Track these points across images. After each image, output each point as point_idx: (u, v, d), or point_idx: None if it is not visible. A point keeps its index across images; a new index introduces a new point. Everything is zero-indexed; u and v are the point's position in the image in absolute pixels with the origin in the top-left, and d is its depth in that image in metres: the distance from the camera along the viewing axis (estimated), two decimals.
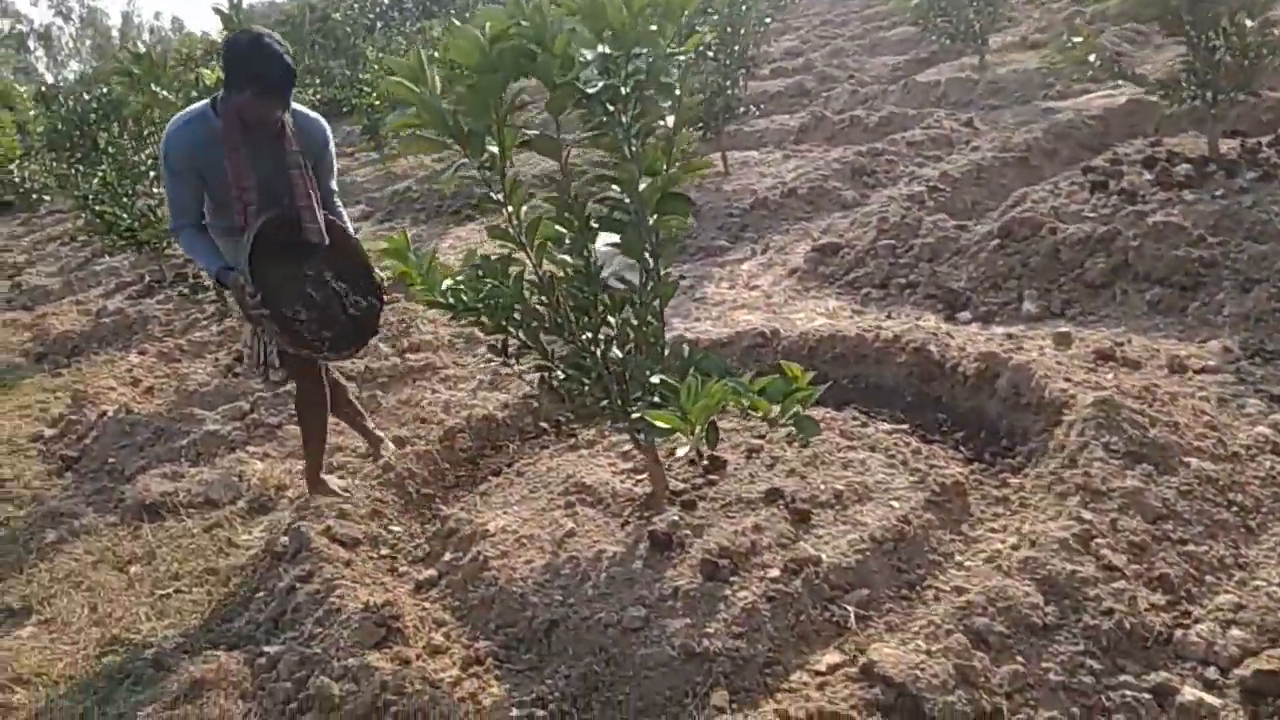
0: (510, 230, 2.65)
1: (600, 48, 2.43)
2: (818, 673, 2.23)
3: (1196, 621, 2.18)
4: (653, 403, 2.93)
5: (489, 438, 3.90)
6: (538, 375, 3.01)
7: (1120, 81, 8.13)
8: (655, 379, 2.93)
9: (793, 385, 2.48)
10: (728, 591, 2.55)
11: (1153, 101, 6.42)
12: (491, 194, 2.57)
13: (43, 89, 12.73)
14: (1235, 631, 2.14)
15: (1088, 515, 2.42)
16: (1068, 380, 3.12)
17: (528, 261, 2.72)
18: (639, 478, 3.27)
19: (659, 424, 2.49)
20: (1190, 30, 4.66)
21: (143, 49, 5.40)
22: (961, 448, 3.17)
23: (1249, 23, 4.62)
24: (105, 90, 7.38)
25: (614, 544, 2.87)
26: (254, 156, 3.10)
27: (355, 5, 12.91)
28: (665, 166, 2.70)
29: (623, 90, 2.49)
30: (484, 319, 2.93)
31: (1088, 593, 2.22)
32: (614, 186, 2.69)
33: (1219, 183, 4.56)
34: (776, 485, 2.96)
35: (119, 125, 7.20)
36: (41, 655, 2.99)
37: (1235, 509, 2.50)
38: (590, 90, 2.42)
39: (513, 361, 2.93)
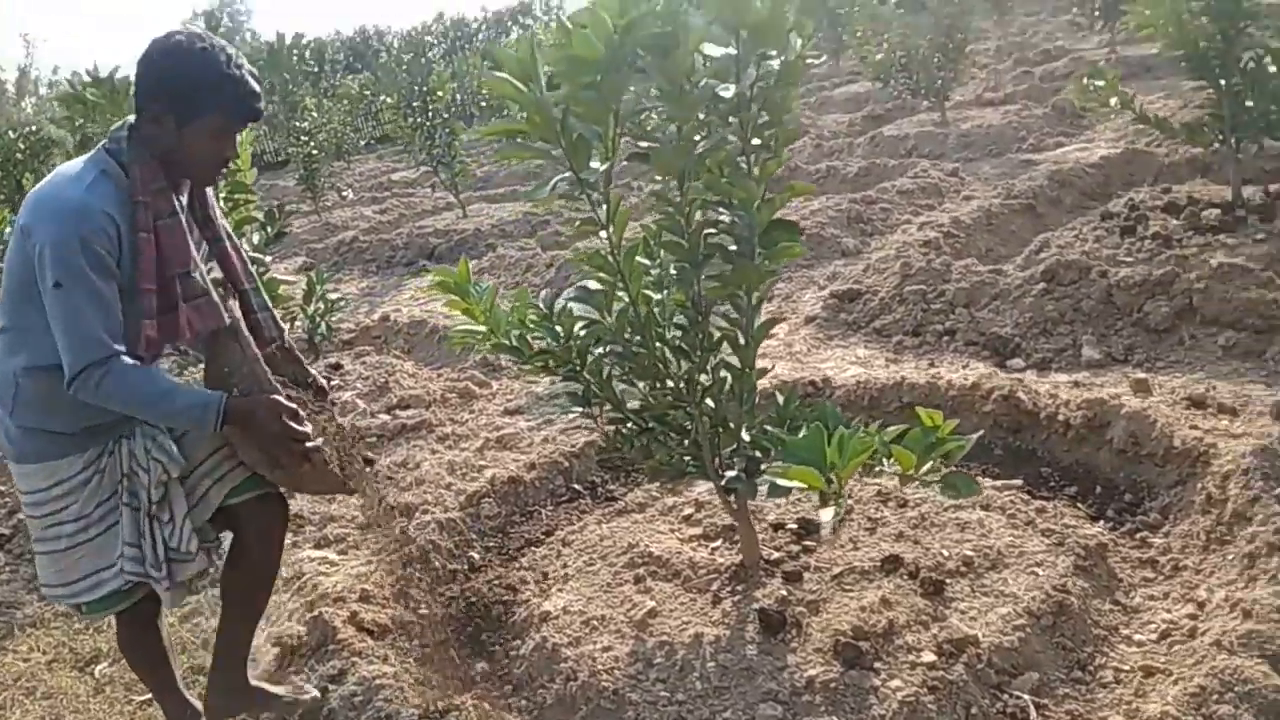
0: (610, 259, 2.23)
1: (730, 47, 2.07)
2: None
3: None
4: (751, 457, 2.54)
5: (517, 503, 3.42)
6: (612, 428, 2.59)
7: (1091, 135, 8.23)
8: (748, 432, 2.55)
9: (935, 437, 2.12)
10: (875, 681, 2.13)
11: (1148, 152, 6.40)
12: (595, 214, 2.16)
13: None
14: None
15: None
16: (1195, 428, 2.83)
17: (624, 296, 2.30)
18: (713, 545, 2.85)
19: (795, 482, 2.08)
20: (1218, 73, 4.56)
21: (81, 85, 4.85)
22: (1078, 504, 2.83)
23: (1272, 68, 4.54)
24: (34, 129, 6.75)
25: (711, 625, 2.43)
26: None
27: (295, 53, 12.42)
28: (764, 190, 2.35)
29: (748, 96, 2.13)
30: (554, 365, 2.52)
31: None
32: (721, 211, 2.32)
33: (1256, 226, 4.43)
34: (891, 552, 2.57)
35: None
36: None
37: None
38: (725, 94, 2.06)
39: (595, 411, 2.50)
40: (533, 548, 3.12)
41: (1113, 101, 4.75)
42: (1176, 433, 2.80)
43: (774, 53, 2.15)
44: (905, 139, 8.82)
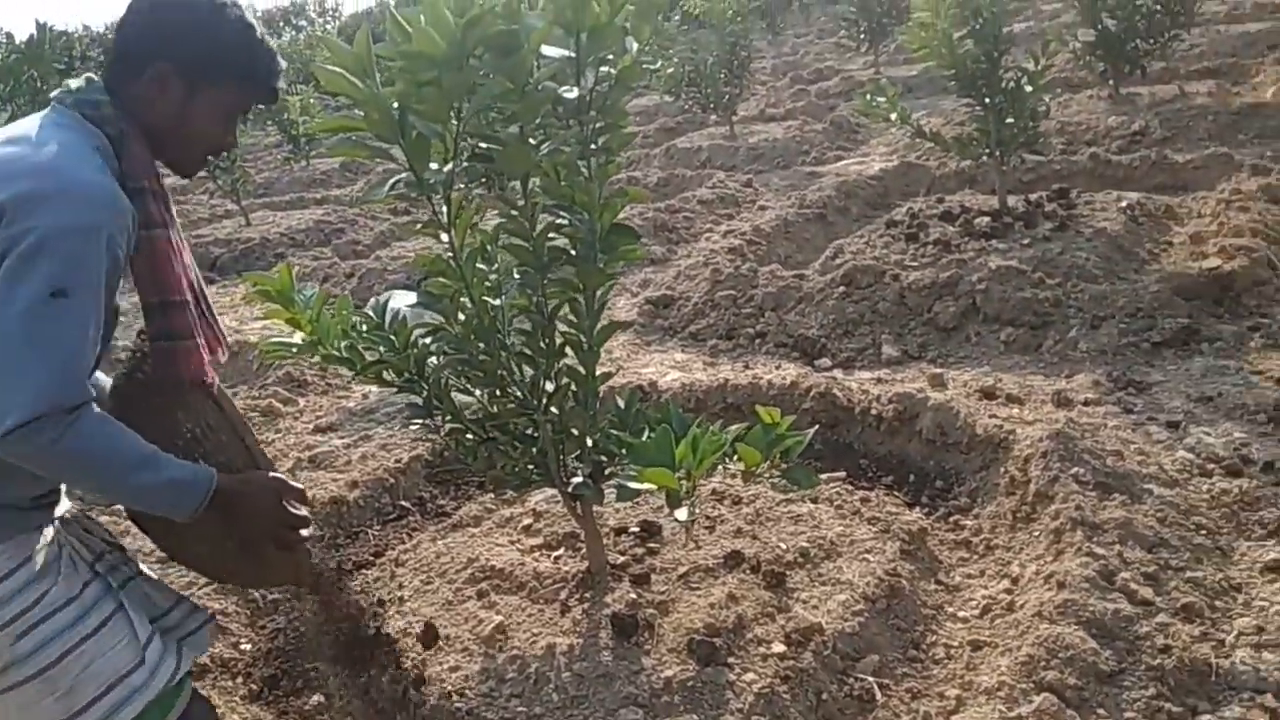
0: (452, 263, 2.16)
1: (569, 49, 2.05)
2: None
3: (1233, 649, 2.10)
4: (596, 463, 2.53)
5: (341, 525, 3.25)
6: (452, 439, 2.51)
7: (866, 149, 8.82)
8: (593, 437, 2.54)
9: (775, 434, 2.20)
10: (731, 676, 2.17)
11: (920, 164, 6.92)
12: (436, 216, 2.08)
13: None
14: (1268, 655, 2.08)
15: (1099, 550, 2.31)
16: (993, 417, 3.08)
17: (468, 301, 2.23)
18: (556, 554, 2.82)
19: (648, 485, 2.10)
20: (984, 92, 5.00)
21: None
22: (896, 492, 3.01)
23: (1029, 88, 5.03)
24: None
25: (562, 634, 2.40)
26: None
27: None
28: (602, 193, 2.35)
29: (588, 98, 2.13)
30: (389, 375, 2.41)
31: (1137, 631, 2.09)
32: (562, 214, 2.30)
33: (1021, 232, 4.88)
34: (733, 548, 2.63)
35: None
36: None
37: (1204, 532, 2.50)
38: (569, 95, 2.04)
39: (435, 423, 2.40)
40: (363, 570, 2.97)
41: (893, 116, 5.10)
42: (978, 422, 3.04)
43: (610, 56, 2.16)
44: (699, 151, 9.11)
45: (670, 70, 9.64)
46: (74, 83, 1.60)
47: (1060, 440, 2.70)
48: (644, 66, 2.26)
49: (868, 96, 5.22)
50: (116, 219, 1.44)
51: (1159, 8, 7.36)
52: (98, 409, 1.43)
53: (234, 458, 1.66)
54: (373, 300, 2.47)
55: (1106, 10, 7.36)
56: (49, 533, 1.54)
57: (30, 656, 1.43)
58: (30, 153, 1.44)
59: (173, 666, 1.57)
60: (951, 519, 2.84)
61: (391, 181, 2.02)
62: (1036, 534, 2.53)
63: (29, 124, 1.52)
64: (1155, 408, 3.27)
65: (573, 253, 2.30)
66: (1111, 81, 7.72)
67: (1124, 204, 5.09)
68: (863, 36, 12.58)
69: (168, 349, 1.60)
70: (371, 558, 3.05)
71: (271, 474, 1.69)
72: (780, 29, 18.68)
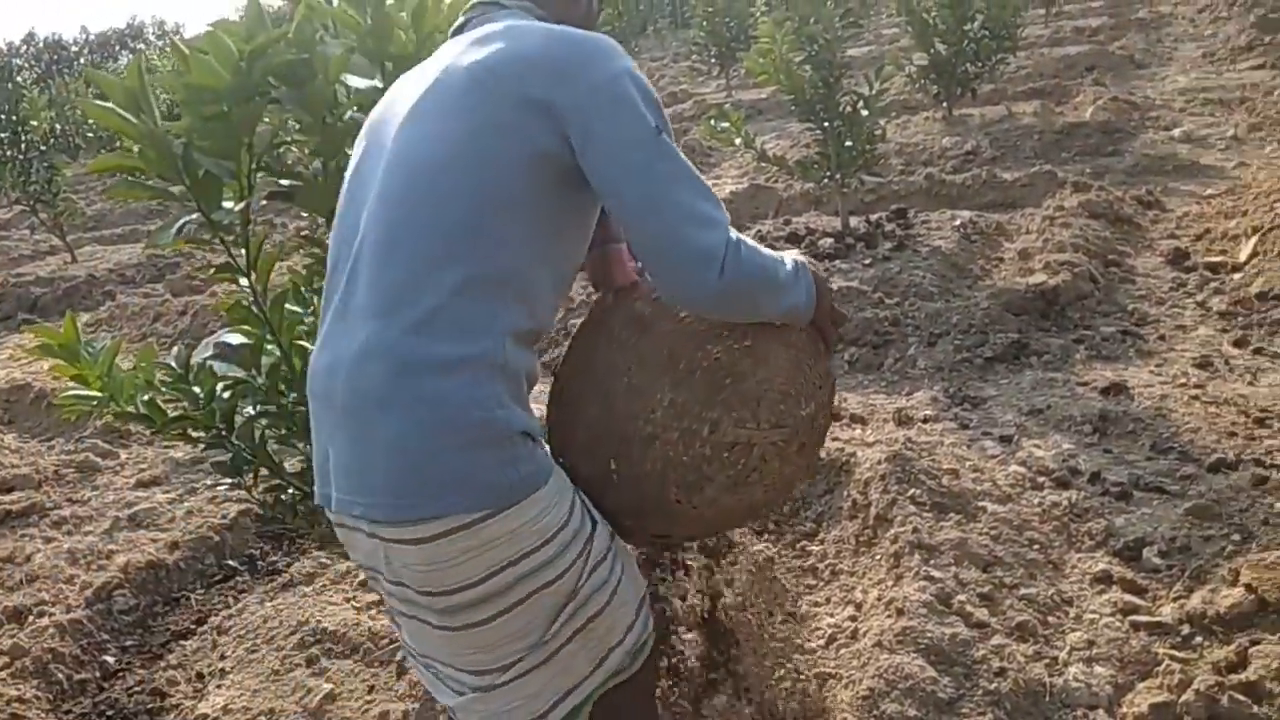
0: (254, 310, 2.00)
1: (375, 79, 1.94)
2: None
3: (1065, 665, 2.14)
4: None
5: (159, 591, 3.00)
6: (270, 496, 2.33)
7: (719, 172, 8.93)
8: None
9: None
10: None
11: (769, 187, 7.03)
12: (232, 259, 1.92)
13: None
14: (1099, 669, 2.13)
15: (936, 573, 2.32)
16: (836, 440, 3.09)
17: (275, 349, 2.08)
18: None
19: None
20: (823, 116, 5.11)
21: None
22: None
23: (865, 112, 5.17)
24: None
25: (398, 700, 2.26)
26: None
27: None
28: None
29: None
30: (195, 431, 2.22)
31: (973, 655, 2.10)
32: None
33: (863, 253, 5.00)
34: None
35: None
36: None
37: (1037, 547, 2.56)
38: None
39: (247, 481, 2.22)
40: (182, 641, 2.74)
41: (738, 140, 5.15)
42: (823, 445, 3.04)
43: None
44: None
45: None
46: None
47: (898, 462, 2.73)
48: None
49: (712, 121, 5.26)
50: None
51: (986, 33, 7.73)
52: None
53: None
54: (176, 349, 2.28)
55: (938, 35, 7.69)
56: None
57: (592, 596, 1.33)
58: (531, 29, 1.34)
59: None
60: (798, 545, 2.83)
61: (180, 223, 1.86)
62: (878, 558, 2.53)
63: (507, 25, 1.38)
64: (989, 422, 3.35)
65: None
66: (945, 104, 8.06)
67: (957, 222, 5.27)
68: (713, 61, 12.80)
69: None
70: (193, 625, 2.82)
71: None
72: (636, 53, 18.88)
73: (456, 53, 1.34)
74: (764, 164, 5.53)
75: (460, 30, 1.47)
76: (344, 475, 1.26)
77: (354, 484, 1.24)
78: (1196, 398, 3.22)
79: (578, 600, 1.30)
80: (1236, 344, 3.66)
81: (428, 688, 1.45)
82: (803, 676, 2.28)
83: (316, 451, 1.33)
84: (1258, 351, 3.56)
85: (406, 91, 1.39)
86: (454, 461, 1.19)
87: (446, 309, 1.21)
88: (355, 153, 1.45)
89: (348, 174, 1.43)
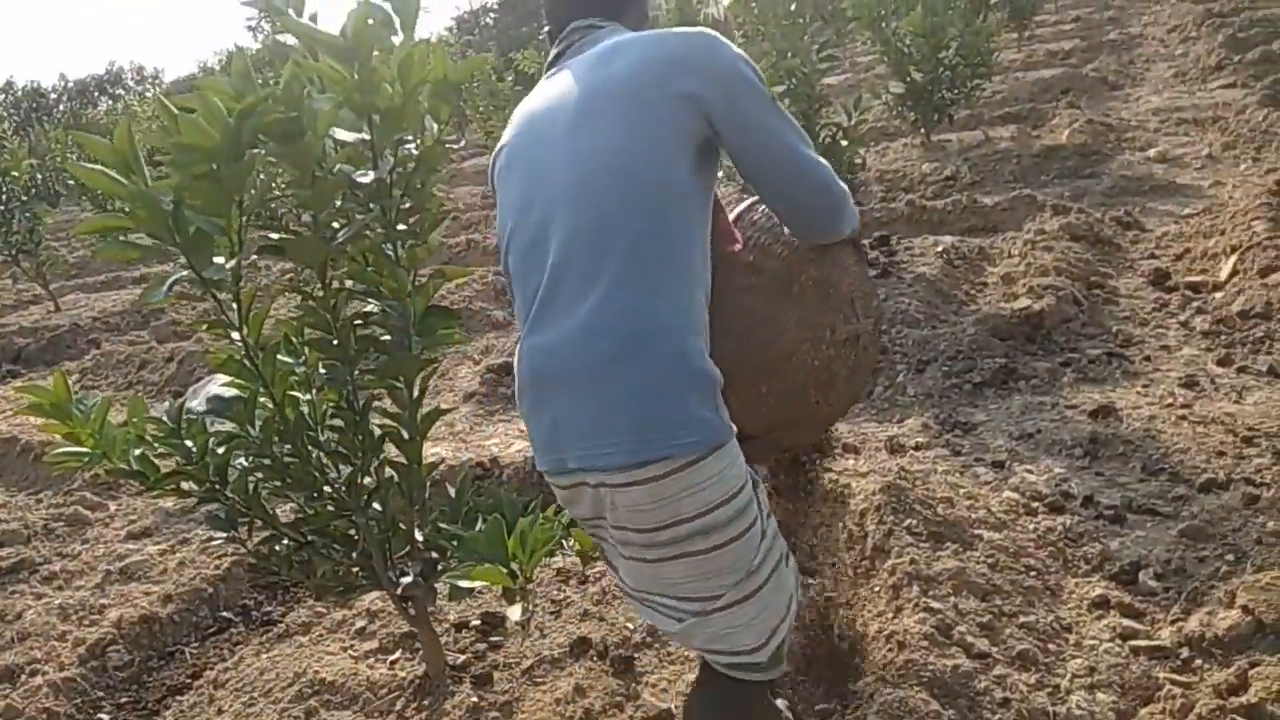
0: (247, 363, 2.00)
1: (363, 132, 1.96)
2: None
3: (1068, 693, 2.14)
4: (427, 560, 2.40)
5: (154, 645, 2.97)
6: (265, 548, 2.32)
7: None
8: (422, 531, 2.41)
9: None
10: None
11: None
12: (225, 315, 1.93)
13: None
14: (1101, 695, 2.13)
15: (935, 604, 2.32)
16: (829, 471, 3.10)
17: (268, 402, 2.07)
18: (393, 658, 2.65)
19: (479, 583, 1.99)
20: None
21: None
22: None
23: (845, 142, 5.23)
24: None
25: None
26: None
27: None
28: (413, 276, 2.26)
29: (389, 181, 2.04)
30: (189, 485, 2.21)
31: (975, 686, 2.10)
32: (370, 301, 2.18)
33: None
34: (579, 634, 2.53)
35: None
36: None
37: (1034, 573, 2.57)
38: (363, 180, 1.94)
39: (241, 534, 2.22)
40: (178, 696, 2.71)
41: (719, 174, 5.19)
42: (823, 476, 3.05)
43: (410, 138, 2.08)
44: None
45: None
46: (583, 23, 1.75)
47: (893, 493, 2.73)
48: (447, 145, 2.19)
49: None
50: None
51: (960, 59, 7.84)
52: None
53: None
54: (167, 403, 2.28)
55: (913, 64, 7.79)
56: None
57: (775, 542, 1.63)
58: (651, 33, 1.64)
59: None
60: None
61: (170, 281, 1.86)
62: (876, 589, 2.53)
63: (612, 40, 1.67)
64: (981, 448, 3.37)
65: (386, 339, 2.18)
66: (923, 130, 8.15)
67: (940, 248, 5.32)
68: None
69: None
70: (188, 680, 2.79)
71: None
72: None
73: (589, 67, 1.61)
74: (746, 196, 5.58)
75: (562, 53, 1.74)
76: (578, 437, 1.49)
77: (594, 437, 1.46)
78: (1184, 418, 3.25)
79: (767, 541, 1.56)
80: (1221, 363, 3.70)
81: (646, 620, 1.72)
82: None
83: (539, 428, 1.56)
84: (1242, 370, 3.60)
85: (550, 110, 1.63)
86: (683, 406, 1.44)
87: (655, 279, 1.47)
88: (510, 170, 1.70)
89: (509, 188, 1.68)
